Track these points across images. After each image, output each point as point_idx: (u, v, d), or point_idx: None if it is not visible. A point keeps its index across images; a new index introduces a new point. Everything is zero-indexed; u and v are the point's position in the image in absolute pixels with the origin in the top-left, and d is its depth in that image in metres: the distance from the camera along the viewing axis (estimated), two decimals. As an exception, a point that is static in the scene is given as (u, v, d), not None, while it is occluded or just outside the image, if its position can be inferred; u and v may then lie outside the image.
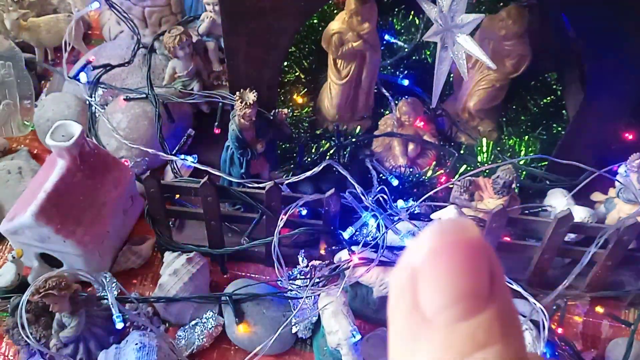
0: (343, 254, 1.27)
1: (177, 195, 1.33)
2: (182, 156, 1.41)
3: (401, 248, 1.29)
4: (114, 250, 1.36)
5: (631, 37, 1.17)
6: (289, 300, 1.28)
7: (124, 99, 1.45)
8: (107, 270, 1.32)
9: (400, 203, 1.39)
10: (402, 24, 1.73)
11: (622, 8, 1.12)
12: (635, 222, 1.19)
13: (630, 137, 1.44)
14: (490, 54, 1.44)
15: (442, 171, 1.46)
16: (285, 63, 1.63)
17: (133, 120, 1.43)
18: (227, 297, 1.26)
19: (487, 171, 1.41)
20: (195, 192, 1.21)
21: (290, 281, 1.26)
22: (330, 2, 1.62)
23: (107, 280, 1.27)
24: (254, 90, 1.22)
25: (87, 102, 1.48)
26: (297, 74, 1.65)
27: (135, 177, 1.37)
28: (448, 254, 0.31)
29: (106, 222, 1.30)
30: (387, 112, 1.60)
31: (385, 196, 1.28)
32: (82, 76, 1.47)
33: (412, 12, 1.72)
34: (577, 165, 1.23)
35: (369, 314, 1.32)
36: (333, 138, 1.51)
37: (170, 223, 1.35)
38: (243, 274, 1.39)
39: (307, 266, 1.30)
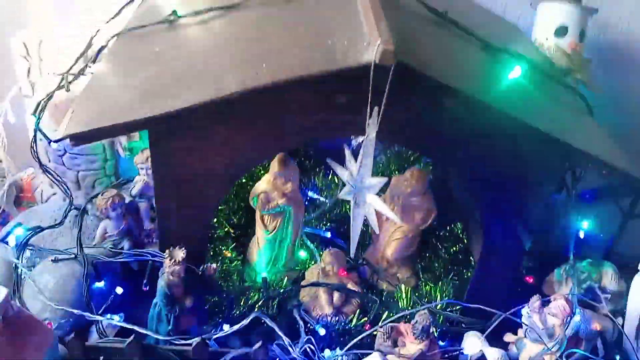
0: (272, 409, 1.27)
1: (102, 358, 1.30)
2: (109, 315, 1.40)
3: (330, 399, 1.30)
4: (29, 421, 1.28)
5: (519, 192, 1.36)
6: None
7: (52, 260, 1.46)
8: None
9: (327, 352, 1.43)
10: (323, 182, 1.91)
11: (508, 167, 1.32)
12: (543, 360, 1.28)
13: (531, 280, 1.59)
14: (400, 209, 1.62)
15: (365, 319, 1.53)
16: (215, 220, 1.73)
17: (60, 280, 1.43)
18: None
19: (407, 317, 1.49)
20: (120, 353, 1.20)
21: None
22: (255, 166, 1.78)
23: None
24: (183, 248, 1.29)
25: (14, 265, 1.48)
26: (226, 229, 1.74)
27: (59, 340, 1.34)
28: None
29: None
30: (313, 263, 1.70)
31: (312, 346, 1.31)
32: (11, 239, 1.49)
33: (331, 172, 1.90)
34: (482, 308, 1.34)
35: None
36: (261, 290, 1.57)
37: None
38: None
39: None
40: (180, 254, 1.28)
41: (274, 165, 1.55)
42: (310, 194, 1.90)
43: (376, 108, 1.13)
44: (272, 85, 1.12)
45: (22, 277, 1.45)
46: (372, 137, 1.17)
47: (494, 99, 1.24)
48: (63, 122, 1.19)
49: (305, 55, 1.20)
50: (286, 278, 1.65)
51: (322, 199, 1.88)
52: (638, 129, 2.02)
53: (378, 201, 1.23)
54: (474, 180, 1.35)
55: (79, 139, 1.17)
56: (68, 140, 1.18)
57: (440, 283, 1.64)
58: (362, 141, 1.19)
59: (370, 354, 1.36)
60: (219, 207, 1.76)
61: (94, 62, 1.62)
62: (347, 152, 1.28)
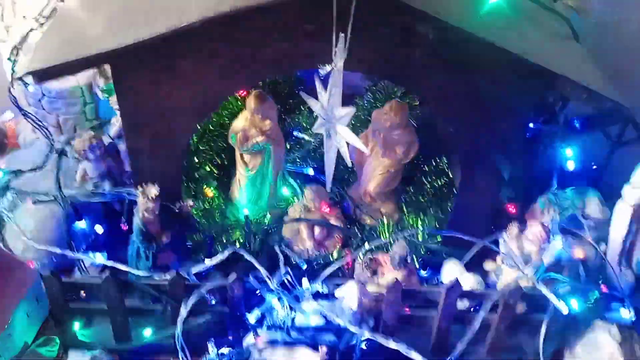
0: (249, 338, 1.29)
1: (83, 293, 1.33)
2: (91, 254, 1.42)
3: (308, 328, 1.33)
4: (17, 354, 1.32)
5: (496, 121, 1.33)
6: (198, 392, 1.27)
7: (32, 202, 1.48)
8: (9, 376, 1.28)
9: (305, 284, 1.45)
10: (308, 121, 1.88)
11: (485, 96, 1.29)
12: (518, 286, 1.29)
13: (513, 209, 1.58)
14: (382, 143, 1.60)
15: (346, 252, 1.54)
16: (197, 159, 1.73)
17: (41, 222, 1.45)
18: (134, 394, 1.24)
19: (389, 248, 1.49)
20: (98, 288, 1.23)
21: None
22: (227, 101, 1.75)
23: (9, 387, 1.23)
24: (156, 185, 1.29)
25: (-4, 207, 1.50)
26: (208, 168, 1.74)
27: (41, 278, 1.37)
28: None
29: (8, 325, 1.27)
30: (296, 200, 1.70)
31: (290, 278, 1.33)
32: (-9, 183, 1.50)
33: (315, 110, 1.87)
34: (462, 237, 1.33)
35: (282, 398, 1.32)
36: (244, 227, 1.58)
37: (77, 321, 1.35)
38: (154, 369, 1.38)
39: (217, 354, 1.31)
40: (153, 190, 1.28)
41: (250, 101, 1.53)
42: (295, 133, 1.88)
43: (342, 35, 1.09)
44: (232, 12, 1.09)
45: (4, 219, 1.47)
46: (339, 66, 1.13)
47: (470, 25, 1.20)
48: (25, 59, 1.17)
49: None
50: (269, 215, 1.65)
51: (306, 137, 1.86)
52: (628, 57, 1.95)
53: (347, 132, 1.21)
54: (450, 109, 1.32)
55: (41, 75, 1.15)
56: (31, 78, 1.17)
57: (422, 215, 1.63)
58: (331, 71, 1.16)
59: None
60: (202, 148, 1.76)
61: (63, 0, 1.58)
62: (318, 83, 1.25)
